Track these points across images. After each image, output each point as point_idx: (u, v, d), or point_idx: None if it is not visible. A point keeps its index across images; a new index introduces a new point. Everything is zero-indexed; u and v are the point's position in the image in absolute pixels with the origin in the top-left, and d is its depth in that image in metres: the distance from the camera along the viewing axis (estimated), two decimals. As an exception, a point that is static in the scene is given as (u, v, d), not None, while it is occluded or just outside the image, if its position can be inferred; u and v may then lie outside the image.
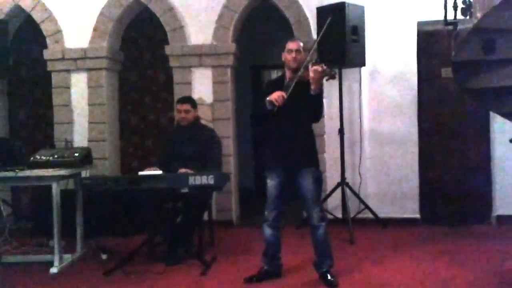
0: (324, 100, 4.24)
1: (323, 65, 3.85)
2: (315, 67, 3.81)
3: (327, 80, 3.99)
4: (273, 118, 3.99)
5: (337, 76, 4.08)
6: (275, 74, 7.95)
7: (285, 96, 3.86)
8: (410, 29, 5.87)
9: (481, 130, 5.93)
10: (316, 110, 4.03)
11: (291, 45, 4.06)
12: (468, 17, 3.92)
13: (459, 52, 4.03)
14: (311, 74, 3.81)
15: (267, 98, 3.91)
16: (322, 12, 5.65)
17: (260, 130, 4.13)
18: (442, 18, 4.16)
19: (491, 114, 5.66)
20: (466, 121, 5.95)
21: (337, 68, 5.56)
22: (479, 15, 3.75)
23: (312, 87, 3.85)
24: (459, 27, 4.04)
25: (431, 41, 5.94)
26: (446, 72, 5.77)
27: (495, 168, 5.88)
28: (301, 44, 4.12)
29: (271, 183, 4.07)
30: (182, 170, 4.66)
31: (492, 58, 3.99)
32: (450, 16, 4.13)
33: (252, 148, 8.38)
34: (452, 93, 5.80)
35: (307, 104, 3.94)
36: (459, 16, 4.06)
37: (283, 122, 4.00)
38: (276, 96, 3.86)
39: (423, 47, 5.94)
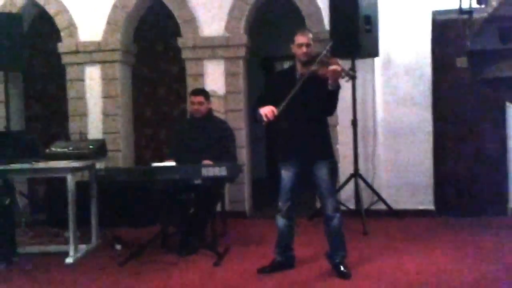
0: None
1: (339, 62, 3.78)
2: (333, 68, 3.72)
3: (347, 81, 3.93)
4: (288, 110, 3.88)
5: (356, 75, 4.00)
6: (287, 66, 7.92)
7: (276, 113, 3.79)
8: (424, 19, 5.81)
9: (497, 121, 5.86)
10: (330, 105, 3.99)
11: (301, 39, 3.97)
12: (483, 5, 3.86)
13: (474, 41, 3.97)
14: (330, 73, 3.73)
15: (260, 110, 3.87)
16: (335, 2, 5.61)
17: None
18: (457, 7, 4.11)
19: (507, 104, 5.58)
20: (481, 112, 5.88)
21: (350, 58, 5.55)
22: (494, 3, 3.71)
23: (330, 82, 3.78)
24: (474, 16, 4.00)
25: (446, 31, 5.87)
26: (461, 61, 5.71)
27: (510, 158, 5.81)
28: (311, 35, 4.04)
29: (286, 173, 4.05)
30: (206, 162, 4.68)
31: (508, 47, 3.93)
32: (465, 5, 4.07)
33: (265, 139, 8.37)
34: (467, 83, 5.73)
35: (322, 97, 3.88)
36: (474, 4, 4.01)
37: (298, 115, 3.96)
38: (266, 111, 3.81)
39: (437, 36, 5.87)
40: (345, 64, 5.36)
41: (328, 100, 3.92)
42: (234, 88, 6.22)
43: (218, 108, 6.06)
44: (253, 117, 4.11)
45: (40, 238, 5.42)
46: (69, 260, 4.65)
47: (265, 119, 3.81)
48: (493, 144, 5.89)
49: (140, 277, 4.21)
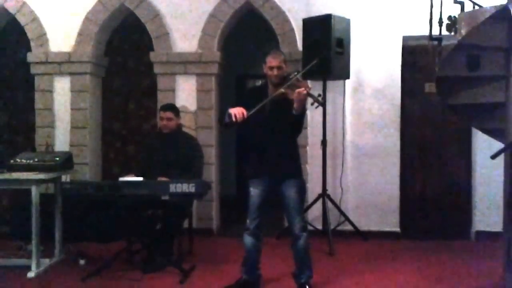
0: (308, 112, 4.21)
1: (309, 86, 3.83)
2: (298, 90, 3.74)
3: (316, 107, 3.97)
4: (258, 129, 3.95)
5: (325, 102, 4.04)
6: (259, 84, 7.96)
7: (245, 116, 3.79)
8: (395, 43, 5.93)
9: (463, 146, 5.98)
10: (294, 129, 4.03)
11: (272, 62, 3.97)
12: (452, 33, 3.97)
13: (443, 67, 4.08)
14: (296, 96, 3.76)
15: (229, 110, 3.87)
16: (308, 24, 5.69)
17: (243, 139, 4.07)
18: (427, 33, 4.21)
19: (473, 130, 5.71)
20: (448, 136, 6.00)
21: (322, 80, 5.61)
22: (463, 31, 3.81)
23: (295, 106, 3.81)
24: (444, 43, 4.10)
25: (416, 56, 6.00)
26: (430, 87, 5.83)
27: (475, 184, 5.92)
28: (283, 57, 4.05)
29: (255, 191, 4.04)
30: (162, 179, 4.64)
31: (475, 75, 4.04)
32: (435, 32, 4.18)
33: (234, 157, 8.37)
34: (435, 108, 5.86)
35: (289, 119, 3.92)
36: (444, 32, 4.12)
37: (268, 133, 3.97)
38: (236, 111, 3.81)
39: (407, 61, 5.99)
40: (316, 85, 5.45)
41: (292, 123, 3.96)
42: (206, 104, 6.20)
43: (188, 124, 6.03)
44: (220, 120, 4.11)
45: (1, 251, 5.25)
46: (30, 274, 4.54)
47: (233, 119, 3.80)
48: (458, 169, 6.01)
49: (103, 294, 4.14)
